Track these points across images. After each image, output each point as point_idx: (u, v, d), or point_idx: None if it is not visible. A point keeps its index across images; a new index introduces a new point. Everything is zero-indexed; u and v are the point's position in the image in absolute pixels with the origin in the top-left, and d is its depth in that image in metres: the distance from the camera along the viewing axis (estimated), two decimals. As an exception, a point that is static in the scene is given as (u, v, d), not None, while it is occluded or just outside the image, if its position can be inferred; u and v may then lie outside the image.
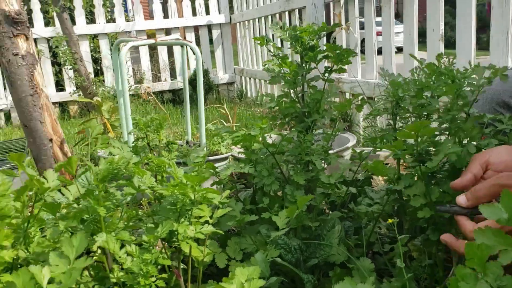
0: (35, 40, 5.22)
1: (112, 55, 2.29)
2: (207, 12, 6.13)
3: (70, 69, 5.42)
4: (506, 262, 0.70)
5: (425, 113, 1.26)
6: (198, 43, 5.63)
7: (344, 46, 3.28)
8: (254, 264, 1.05)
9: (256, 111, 4.74)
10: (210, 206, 1.12)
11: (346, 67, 1.30)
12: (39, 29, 5.52)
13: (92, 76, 5.55)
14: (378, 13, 3.26)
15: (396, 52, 3.16)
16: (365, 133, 3.33)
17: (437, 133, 1.25)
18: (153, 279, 0.95)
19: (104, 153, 2.22)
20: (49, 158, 2.26)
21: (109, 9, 6.07)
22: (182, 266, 1.12)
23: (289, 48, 1.29)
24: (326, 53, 1.24)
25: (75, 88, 5.43)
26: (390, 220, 1.05)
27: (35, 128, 2.24)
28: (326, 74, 1.28)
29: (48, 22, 5.81)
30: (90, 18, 5.96)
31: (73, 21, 5.50)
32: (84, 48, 5.60)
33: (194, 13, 6.08)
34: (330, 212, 1.56)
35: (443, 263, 1.27)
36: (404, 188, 1.22)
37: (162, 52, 6.11)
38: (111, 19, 6.27)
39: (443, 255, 1.28)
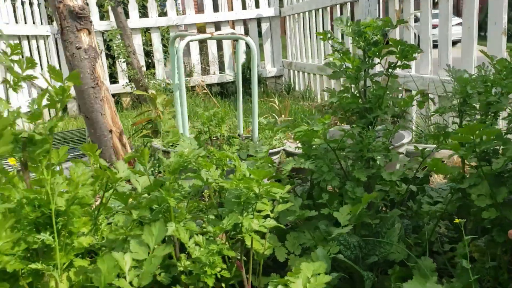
0: (91, 33, 5.38)
1: (169, 48, 2.34)
2: (257, 5, 6.14)
3: (124, 62, 5.58)
4: None
5: (492, 110, 1.22)
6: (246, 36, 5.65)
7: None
8: (314, 260, 1.05)
9: (305, 104, 4.72)
10: (269, 200, 1.14)
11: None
12: (95, 22, 5.67)
13: (144, 69, 5.69)
14: (434, 5, 3.16)
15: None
16: (418, 130, 3.25)
17: (504, 131, 1.21)
18: (218, 269, 0.97)
19: (160, 145, 2.28)
20: (108, 149, 2.35)
21: (160, 3, 6.20)
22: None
23: (351, 43, 1.27)
24: (390, 49, 1.22)
25: (127, 81, 5.59)
26: (457, 220, 1.03)
27: (96, 119, 2.34)
28: (389, 70, 1.26)
29: (102, 16, 6.00)
30: (143, 12, 6.10)
31: (127, 15, 5.65)
32: (137, 42, 5.75)
33: (243, 7, 6.10)
34: (387, 210, 1.55)
35: (507, 266, 1.24)
36: (469, 188, 1.19)
37: (212, 45, 6.18)
38: (162, 13, 6.39)
39: (508, 257, 1.25)
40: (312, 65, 5.16)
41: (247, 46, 1.96)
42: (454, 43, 2.89)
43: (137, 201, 1.01)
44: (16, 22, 4.87)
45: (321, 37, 1.27)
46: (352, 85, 1.32)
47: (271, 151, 2.22)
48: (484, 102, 1.15)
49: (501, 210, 1.12)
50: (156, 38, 5.91)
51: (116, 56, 5.40)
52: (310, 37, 5.16)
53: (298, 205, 1.22)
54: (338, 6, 4.38)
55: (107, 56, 5.93)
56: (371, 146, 1.25)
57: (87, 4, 5.68)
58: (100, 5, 5.83)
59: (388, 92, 1.29)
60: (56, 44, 5.67)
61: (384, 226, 1.31)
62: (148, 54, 6.13)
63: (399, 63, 1.25)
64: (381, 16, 4.81)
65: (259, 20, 6.14)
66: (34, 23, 5.29)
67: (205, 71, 6.27)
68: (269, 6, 6.10)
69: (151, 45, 5.99)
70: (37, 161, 0.82)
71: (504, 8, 2.54)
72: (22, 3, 5.06)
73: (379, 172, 1.29)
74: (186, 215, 0.98)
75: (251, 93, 2.13)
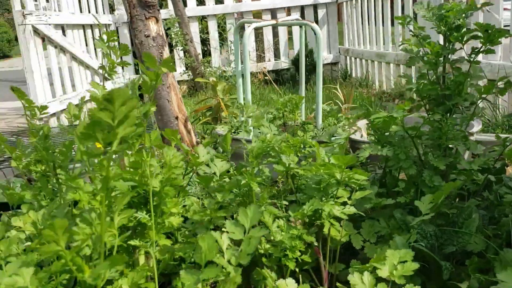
0: (150, 22, 5.51)
1: (234, 36, 2.37)
2: (314, -9, 6.06)
3: (181, 49, 5.68)
4: None
5: None
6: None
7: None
8: (393, 248, 1.04)
9: (363, 91, 4.63)
10: (345, 187, 1.14)
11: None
12: (154, 11, 5.82)
13: (200, 57, 5.78)
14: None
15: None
16: (485, 118, 3.13)
17: None
18: (299, 253, 0.99)
19: (223, 131, 2.32)
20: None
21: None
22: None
23: (431, 28, 1.24)
24: (474, 33, 1.18)
25: (184, 69, 5.70)
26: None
27: (163, 106, 2.40)
28: (472, 55, 1.22)
29: (161, 5, 6.13)
30: (200, 0, 6.18)
31: (184, 3, 5.74)
32: (193, 30, 5.83)
33: (300, -7, 6.04)
34: (459, 200, 1.50)
35: None
36: (556, 179, 1.14)
37: (268, 32, 6.17)
38: (218, 1, 6.44)
39: None
40: (370, 51, 5.06)
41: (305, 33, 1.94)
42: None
43: (219, 185, 1.04)
44: (81, 12, 5.06)
45: (399, 21, 1.24)
46: (430, 72, 1.28)
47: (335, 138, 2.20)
48: None
49: None
50: (212, 26, 5.96)
51: (174, 44, 5.51)
52: (369, 23, 5.04)
53: (374, 192, 1.21)
54: (399, -10, 4.25)
55: (165, 44, 6.05)
56: (450, 134, 1.22)
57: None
58: (159, -6, 5.94)
59: (468, 79, 1.25)
60: (117, 32, 5.86)
61: (461, 216, 1.28)
62: (204, 42, 6.21)
63: (482, 48, 1.21)
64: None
65: (315, 6, 6.06)
66: (97, 12, 5.47)
67: (261, 58, 6.29)
68: (326, -8, 6.02)
69: (207, 33, 6.06)
70: (130, 145, 0.86)
71: None
72: (87, -6, 5.26)
73: (456, 161, 1.25)
74: (266, 199, 1.00)
75: (315, 80, 2.12)
